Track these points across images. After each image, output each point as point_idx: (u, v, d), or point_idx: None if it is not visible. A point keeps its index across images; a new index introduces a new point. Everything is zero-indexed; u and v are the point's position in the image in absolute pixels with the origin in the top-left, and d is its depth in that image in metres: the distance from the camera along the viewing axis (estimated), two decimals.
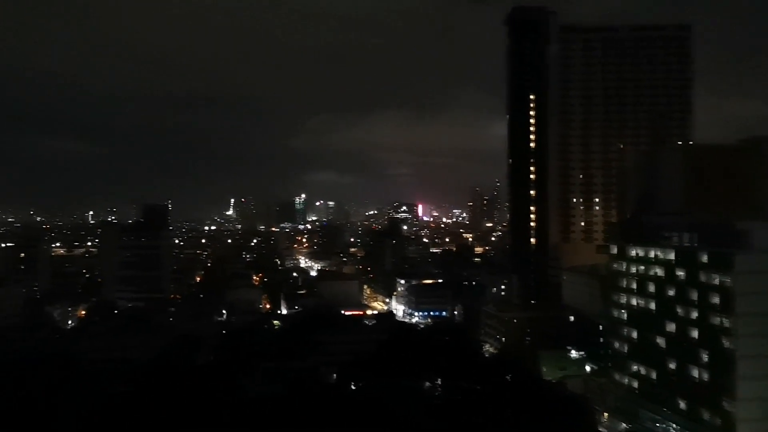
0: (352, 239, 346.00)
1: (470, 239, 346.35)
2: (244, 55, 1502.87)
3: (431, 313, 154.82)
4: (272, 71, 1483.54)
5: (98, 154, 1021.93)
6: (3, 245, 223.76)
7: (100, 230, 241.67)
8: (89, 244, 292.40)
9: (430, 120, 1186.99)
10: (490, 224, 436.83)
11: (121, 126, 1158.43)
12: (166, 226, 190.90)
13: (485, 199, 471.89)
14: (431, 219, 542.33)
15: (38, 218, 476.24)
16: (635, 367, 78.54)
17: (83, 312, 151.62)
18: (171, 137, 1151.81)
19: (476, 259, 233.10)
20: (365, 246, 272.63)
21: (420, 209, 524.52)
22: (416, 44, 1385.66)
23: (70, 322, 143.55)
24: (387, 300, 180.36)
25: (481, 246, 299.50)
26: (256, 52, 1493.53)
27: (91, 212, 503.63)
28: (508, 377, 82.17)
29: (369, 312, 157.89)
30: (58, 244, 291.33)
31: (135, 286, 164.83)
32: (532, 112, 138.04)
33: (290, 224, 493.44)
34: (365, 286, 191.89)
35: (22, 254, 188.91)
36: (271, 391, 71.52)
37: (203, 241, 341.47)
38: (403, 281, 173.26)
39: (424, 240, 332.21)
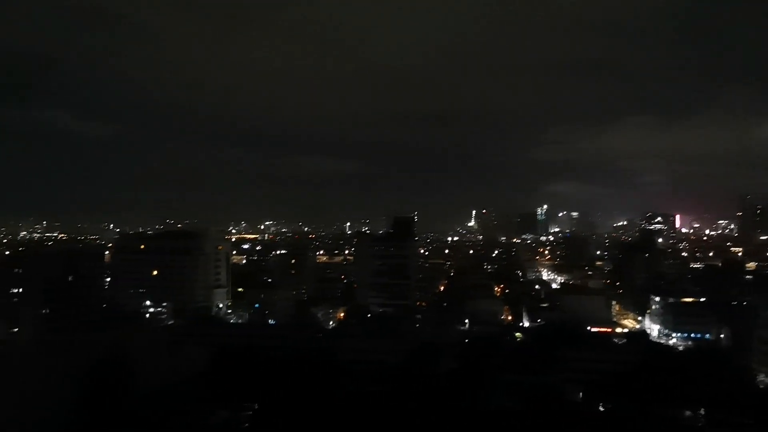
0: (598, 252, 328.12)
1: (739, 254, 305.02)
2: (487, 70, 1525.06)
3: (692, 334, 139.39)
4: (516, 84, 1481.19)
5: (355, 170, 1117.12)
6: (278, 253, 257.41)
7: (355, 240, 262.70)
8: (346, 252, 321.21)
9: (685, 124, 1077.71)
10: (765, 237, 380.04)
11: (375, 144, 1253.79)
12: (412, 237, 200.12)
13: (758, 209, 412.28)
14: (691, 231, 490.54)
15: (306, 228, 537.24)
16: None
17: (341, 314, 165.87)
18: (419, 153, 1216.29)
19: (747, 277, 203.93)
20: (613, 259, 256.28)
21: (677, 220, 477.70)
22: (665, 45, 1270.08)
23: (331, 323, 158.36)
24: (639, 318, 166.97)
25: (753, 261, 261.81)
26: (499, 66, 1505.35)
27: (348, 223, 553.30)
28: None
29: (618, 330, 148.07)
30: (321, 252, 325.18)
31: (385, 292, 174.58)
32: None
33: (531, 235, 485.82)
34: (613, 302, 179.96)
35: (293, 261, 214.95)
36: (512, 404, 70.86)
37: (446, 251, 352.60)
38: (658, 298, 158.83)
39: (683, 254, 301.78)
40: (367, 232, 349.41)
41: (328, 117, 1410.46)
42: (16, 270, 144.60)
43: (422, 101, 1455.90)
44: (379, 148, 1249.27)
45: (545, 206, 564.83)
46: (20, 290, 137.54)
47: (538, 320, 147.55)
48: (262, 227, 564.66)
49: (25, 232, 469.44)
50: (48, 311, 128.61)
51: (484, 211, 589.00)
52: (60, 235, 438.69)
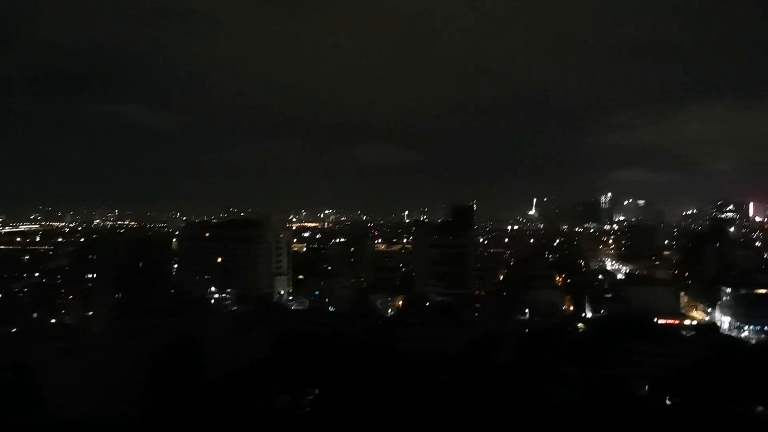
0: (665, 241, 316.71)
1: None
2: (548, 58, 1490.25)
3: (765, 327, 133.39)
4: (583, 69, 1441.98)
5: (416, 159, 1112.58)
6: (338, 241, 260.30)
7: (413, 228, 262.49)
8: (405, 241, 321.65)
9: (759, 109, 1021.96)
10: None
11: (436, 133, 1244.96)
12: (471, 226, 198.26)
13: None
14: (765, 219, 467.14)
15: (364, 217, 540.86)
16: None
17: (400, 303, 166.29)
18: (477, 142, 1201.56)
19: None
20: (681, 249, 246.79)
21: (751, 208, 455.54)
22: (738, 26, 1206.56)
23: (389, 311, 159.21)
24: (709, 310, 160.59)
25: None
26: (560, 54, 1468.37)
27: (406, 212, 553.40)
28: None
29: (687, 322, 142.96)
30: (379, 241, 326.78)
31: (443, 281, 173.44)
32: None
33: (595, 224, 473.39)
34: (682, 293, 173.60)
35: (352, 249, 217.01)
36: (575, 398, 69.47)
37: (506, 240, 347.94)
38: (729, 289, 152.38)
39: (756, 243, 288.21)
40: (426, 220, 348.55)
41: (389, 107, 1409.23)
42: (90, 257, 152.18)
43: (487, 89, 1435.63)
44: (440, 137, 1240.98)
45: (609, 194, 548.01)
46: (94, 276, 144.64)
47: (602, 311, 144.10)
48: (322, 216, 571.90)
49: (98, 221, 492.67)
50: (120, 296, 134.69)
51: (545, 199, 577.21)
52: (131, 223, 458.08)
